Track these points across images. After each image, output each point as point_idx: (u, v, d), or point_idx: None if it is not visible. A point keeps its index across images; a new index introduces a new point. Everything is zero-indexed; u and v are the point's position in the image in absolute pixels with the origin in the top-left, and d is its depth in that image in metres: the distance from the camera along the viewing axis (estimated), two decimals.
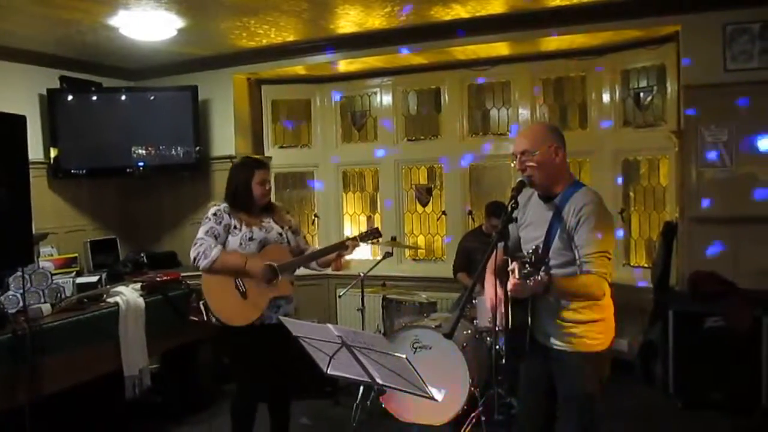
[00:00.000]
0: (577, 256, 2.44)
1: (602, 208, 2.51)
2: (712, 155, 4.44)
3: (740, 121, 4.37)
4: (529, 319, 2.50)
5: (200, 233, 3.37)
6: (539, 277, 2.16)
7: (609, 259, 2.42)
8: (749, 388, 4.11)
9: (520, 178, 2.53)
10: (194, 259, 3.32)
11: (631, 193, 5.41)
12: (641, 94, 5.26)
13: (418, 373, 1.96)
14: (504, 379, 4.04)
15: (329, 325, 2.13)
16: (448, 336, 2.41)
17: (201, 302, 3.40)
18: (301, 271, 3.70)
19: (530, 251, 2.19)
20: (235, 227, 3.39)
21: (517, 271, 2.20)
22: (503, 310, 2.52)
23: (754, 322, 4.10)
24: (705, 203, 4.51)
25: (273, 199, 3.64)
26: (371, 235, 3.63)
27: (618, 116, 5.33)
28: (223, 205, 3.43)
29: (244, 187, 3.41)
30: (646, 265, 5.24)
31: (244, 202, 3.41)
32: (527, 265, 2.15)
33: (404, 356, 1.94)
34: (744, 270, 4.37)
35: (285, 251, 3.47)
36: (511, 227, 2.88)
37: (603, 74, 5.36)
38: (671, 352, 4.37)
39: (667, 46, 4.89)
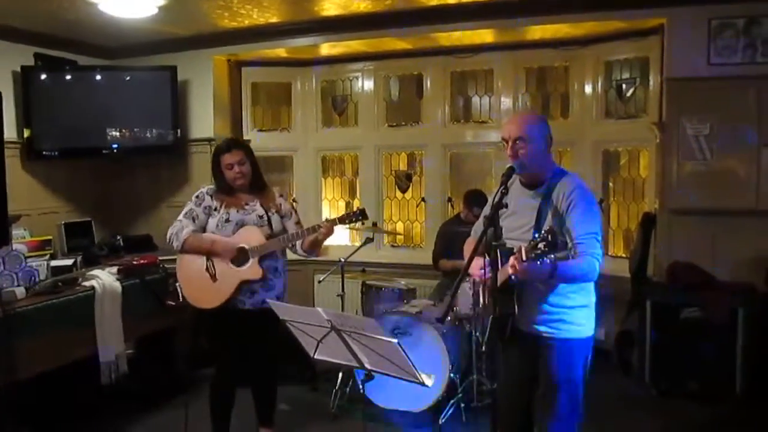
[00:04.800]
0: (569, 240, 2.45)
1: (589, 192, 2.57)
2: (692, 148, 4.48)
3: (722, 116, 4.41)
4: (516, 307, 2.49)
5: (180, 215, 3.45)
6: (549, 259, 2.16)
7: (599, 241, 2.46)
8: (724, 377, 4.19)
9: (510, 165, 2.52)
10: (168, 239, 3.40)
11: (611, 184, 5.45)
12: (623, 86, 5.28)
13: (408, 358, 1.94)
14: (485, 365, 4.06)
15: (319, 309, 2.10)
16: (441, 320, 2.40)
17: (177, 283, 3.43)
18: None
19: (543, 232, 2.19)
20: (215, 209, 3.42)
21: (524, 253, 2.19)
22: (488, 298, 2.53)
23: (730, 313, 4.17)
24: (684, 195, 4.55)
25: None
26: (353, 216, 3.41)
27: (600, 107, 5.35)
28: (208, 188, 3.50)
29: (217, 172, 3.46)
30: (624, 256, 5.29)
31: (223, 185, 3.46)
32: (541, 246, 2.14)
33: (395, 340, 1.91)
34: (721, 262, 4.45)
35: (258, 234, 3.38)
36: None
37: (586, 65, 5.36)
38: (648, 341, 4.43)
39: (651, 39, 4.91)
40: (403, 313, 4.10)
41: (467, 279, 4.21)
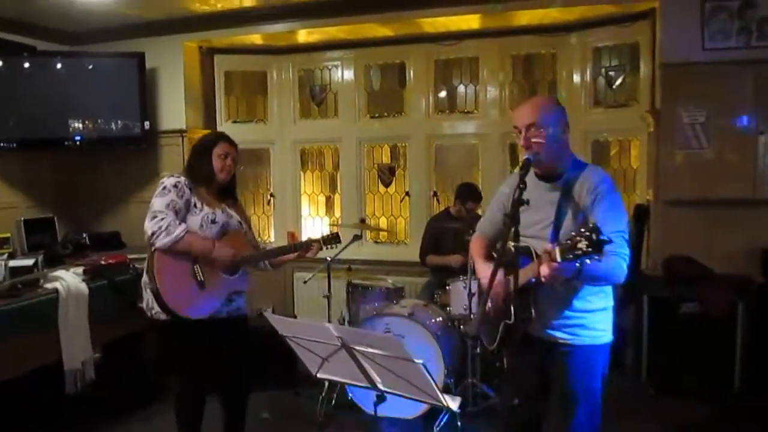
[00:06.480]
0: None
1: (615, 186, 2.34)
2: (689, 137, 4.33)
3: (718, 102, 4.26)
4: (533, 312, 2.27)
5: (158, 205, 2.95)
6: (590, 260, 1.92)
7: (626, 239, 2.24)
8: (723, 373, 4.06)
9: (526, 156, 2.28)
10: (153, 234, 2.89)
11: None
12: (612, 73, 5.12)
13: (433, 379, 1.70)
14: (480, 368, 3.87)
15: (328, 325, 1.84)
16: (476, 337, 2.16)
17: (148, 287, 3.00)
18: None
19: (583, 229, 1.94)
20: (195, 205, 3.02)
21: (558, 254, 1.96)
22: (499, 302, 2.32)
23: (729, 306, 4.04)
24: (679, 186, 4.40)
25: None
26: (332, 239, 3.38)
27: (588, 96, 5.18)
28: (183, 178, 3.05)
29: (204, 157, 3.08)
30: None
31: (204, 175, 3.07)
32: (583, 246, 1.91)
33: (421, 361, 1.67)
34: (718, 254, 4.30)
35: (246, 241, 3.17)
36: (493, 212, 2.67)
37: (573, 52, 5.18)
38: (645, 337, 4.28)
39: (641, 24, 4.76)
40: (395, 315, 3.87)
41: (462, 278, 4.03)
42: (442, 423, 3.75)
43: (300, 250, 3.23)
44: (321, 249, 3.29)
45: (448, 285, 4.15)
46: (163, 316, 2.98)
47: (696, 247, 4.35)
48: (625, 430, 3.77)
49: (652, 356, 4.26)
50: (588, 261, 1.94)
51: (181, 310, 2.96)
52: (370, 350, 1.75)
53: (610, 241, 1.93)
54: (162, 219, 2.90)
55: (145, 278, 3.05)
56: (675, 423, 3.89)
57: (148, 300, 3.04)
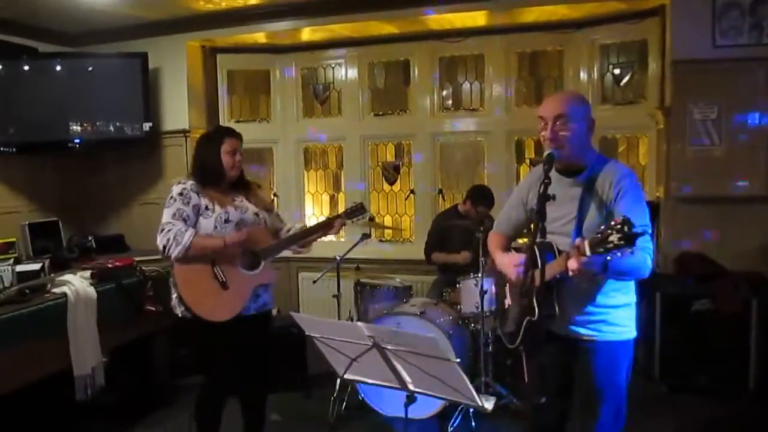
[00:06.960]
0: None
1: (638, 181, 2.33)
2: (700, 133, 4.30)
3: (729, 99, 4.23)
4: (557, 309, 2.24)
5: (165, 217, 2.91)
6: (621, 253, 1.89)
7: (650, 234, 2.22)
8: (737, 371, 4.04)
9: (549, 151, 2.26)
10: (164, 248, 2.85)
11: None
12: (620, 71, 5.08)
13: (466, 379, 1.67)
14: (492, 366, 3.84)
15: (359, 324, 1.80)
16: (512, 335, 2.16)
17: (175, 296, 2.96)
18: None
19: (614, 222, 1.90)
20: (206, 208, 2.97)
21: (588, 248, 1.93)
22: (520, 299, 2.29)
23: (743, 304, 4.01)
24: (691, 182, 4.36)
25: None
26: (357, 211, 3.32)
27: (596, 93, 5.13)
28: (189, 183, 2.99)
29: (213, 157, 3.02)
30: None
31: (213, 175, 3.01)
32: (615, 239, 1.87)
33: (457, 360, 1.64)
34: (730, 251, 4.28)
35: (265, 233, 3.11)
36: (511, 208, 2.65)
37: (580, 49, 5.14)
38: (657, 335, 4.25)
39: (649, 21, 4.72)
40: (406, 314, 3.83)
41: (473, 276, 3.99)
42: (456, 423, 3.72)
43: (322, 229, 3.20)
44: (344, 224, 3.25)
45: (459, 283, 4.12)
46: (189, 315, 2.95)
47: (708, 244, 4.33)
48: (641, 428, 3.73)
49: (665, 354, 4.23)
50: (619, 254, 1.90)
51: (208, 315, 2.92)
52: (402, 349, 1.71)
53: (643, 234, 1.90)
54: (169, 231, 2.87)
55: (172, 280, 3.03)
56: (691, 421, 3.87)
57: (174, 299, 3.02)
